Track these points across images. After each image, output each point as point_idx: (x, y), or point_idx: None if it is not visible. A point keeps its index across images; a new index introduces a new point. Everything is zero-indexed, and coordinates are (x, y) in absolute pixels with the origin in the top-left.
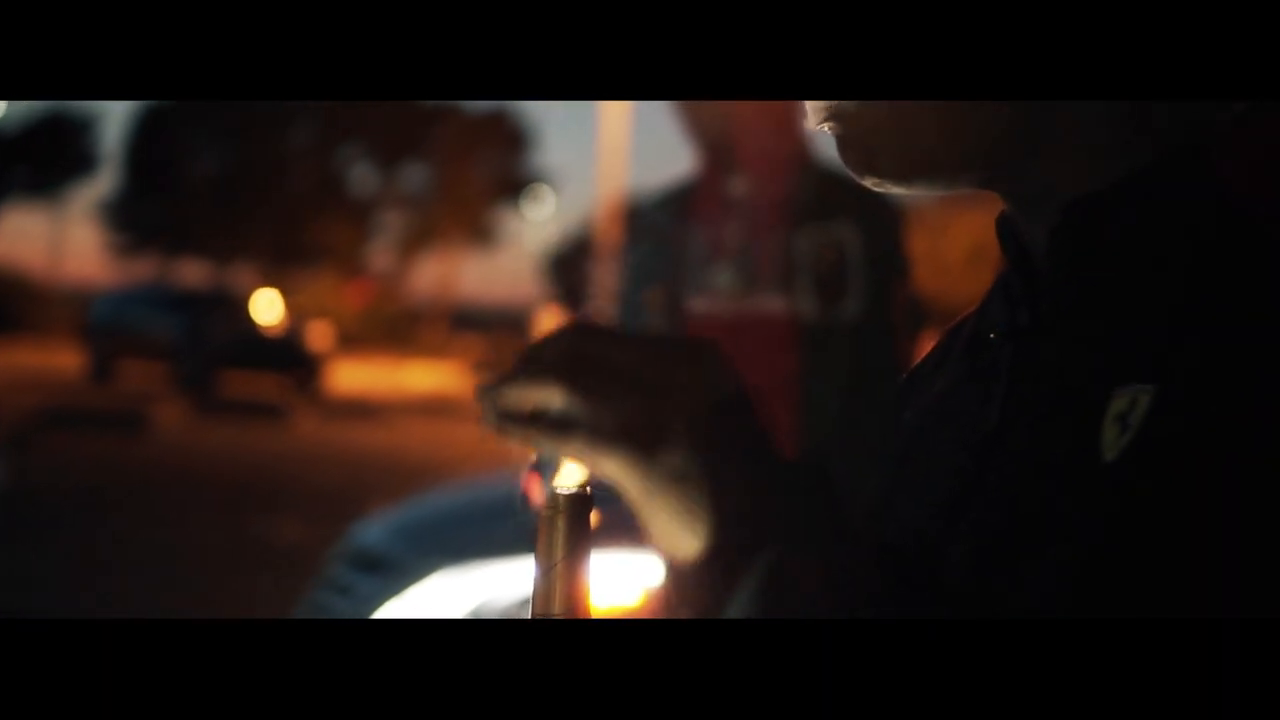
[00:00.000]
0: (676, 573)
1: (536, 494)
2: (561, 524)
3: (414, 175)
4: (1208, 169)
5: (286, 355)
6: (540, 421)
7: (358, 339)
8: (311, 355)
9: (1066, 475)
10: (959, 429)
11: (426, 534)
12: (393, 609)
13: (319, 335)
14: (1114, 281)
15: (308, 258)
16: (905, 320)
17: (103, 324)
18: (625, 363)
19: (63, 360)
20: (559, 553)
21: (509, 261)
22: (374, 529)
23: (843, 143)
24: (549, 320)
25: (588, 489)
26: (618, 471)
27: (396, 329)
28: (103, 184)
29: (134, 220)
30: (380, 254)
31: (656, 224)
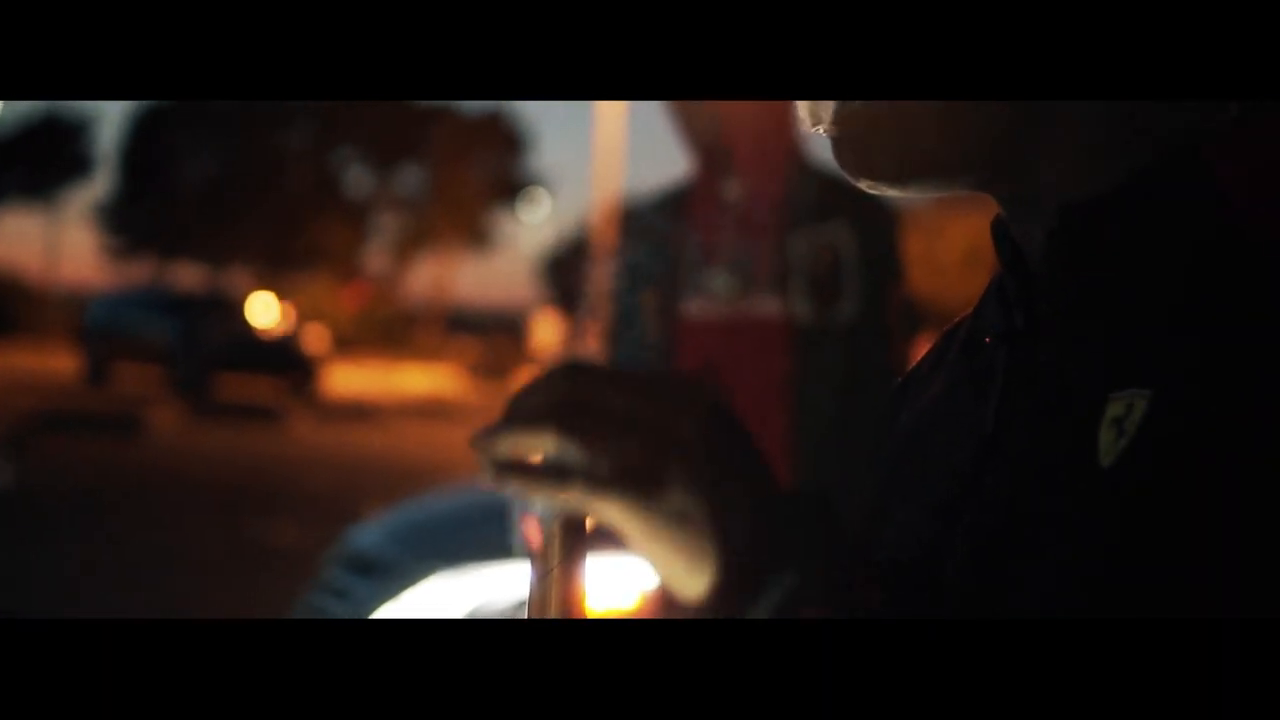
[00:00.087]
0: (685, 610)
1: (534, 537)
2: (557, 528)
3: (409, 178)
4: (1205, 172)
5: (282, 358)
6: (536, 470)
7: (353, 342)
8: (307, 358)
9: (1063, 479)
10: (955, 432)
11: (422, 537)
12: (388, 612)
13: (315, 338)
14: (1110, 285)
15: (303, 260)
16: (900, 323)
17: (98, 327)
18: (618, 404)
19: (58, 363)
20: (555, 556)
21: (505, 264)
22: (370, 532)
23: (838, 145)
24: (545, 322)
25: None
26: (618, 515)
27: (392, 332)
28: (98, 186)
29: (129, 223)
30: (376, 256)
31: (652, 227)
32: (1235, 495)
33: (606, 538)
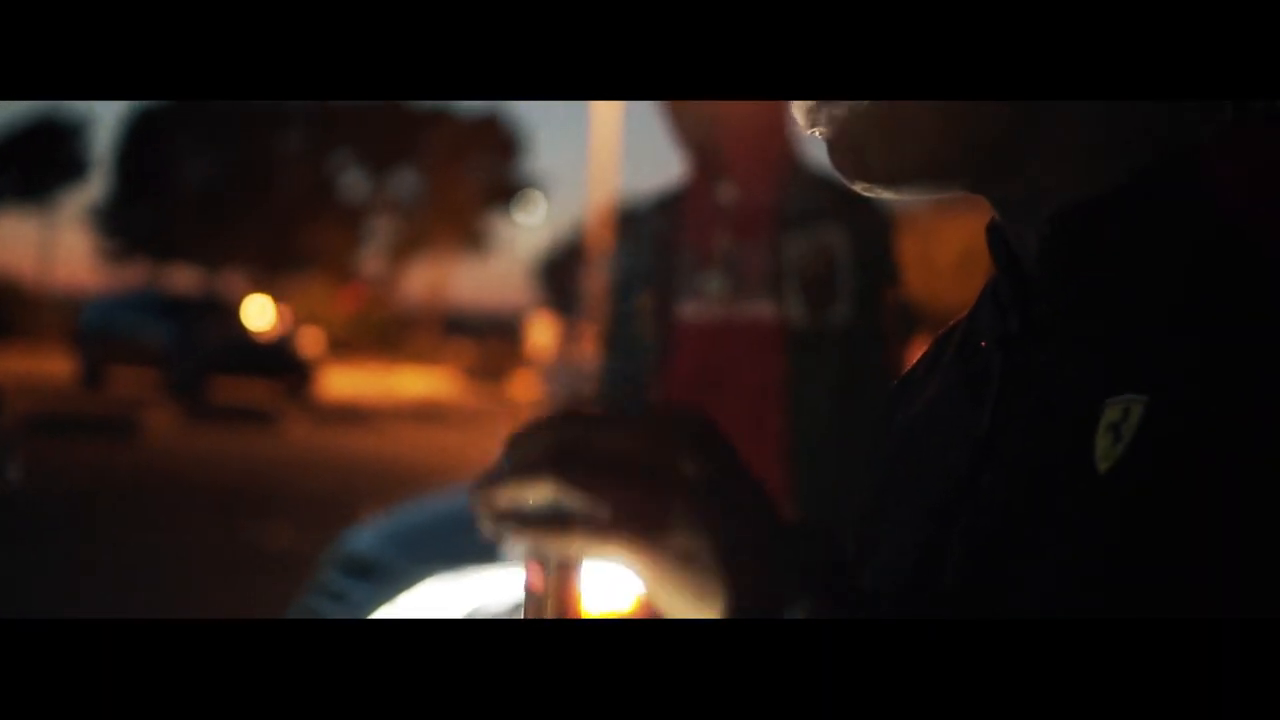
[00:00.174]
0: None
1: (537, 581)
2: (556, 571)
3: (405, 181)
4: (1200, 174)
5: (278, 361)
6: (536, 518)
7: (349, 344)
8: (303, 361)
9: (1059, 483)
10: (950, 435)
11: (419, 540)
12: (385, 615)
13: (310, 341)
14: (1106, 288)
15: (299, 263)
16: (895, 325)
17: (93, 330)
18: (615, 448)
19: (53, 366)
20: (554, 599)
21: (501, 267)
22: (366, 535)
23: (833, 147)
24: (540, 325)
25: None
26: (623, 559)
27: (388, 335)
28: (93, 189)
29: (125, 225)
30: (372, 259)
31: (647, 230)
32: (1234, 500)
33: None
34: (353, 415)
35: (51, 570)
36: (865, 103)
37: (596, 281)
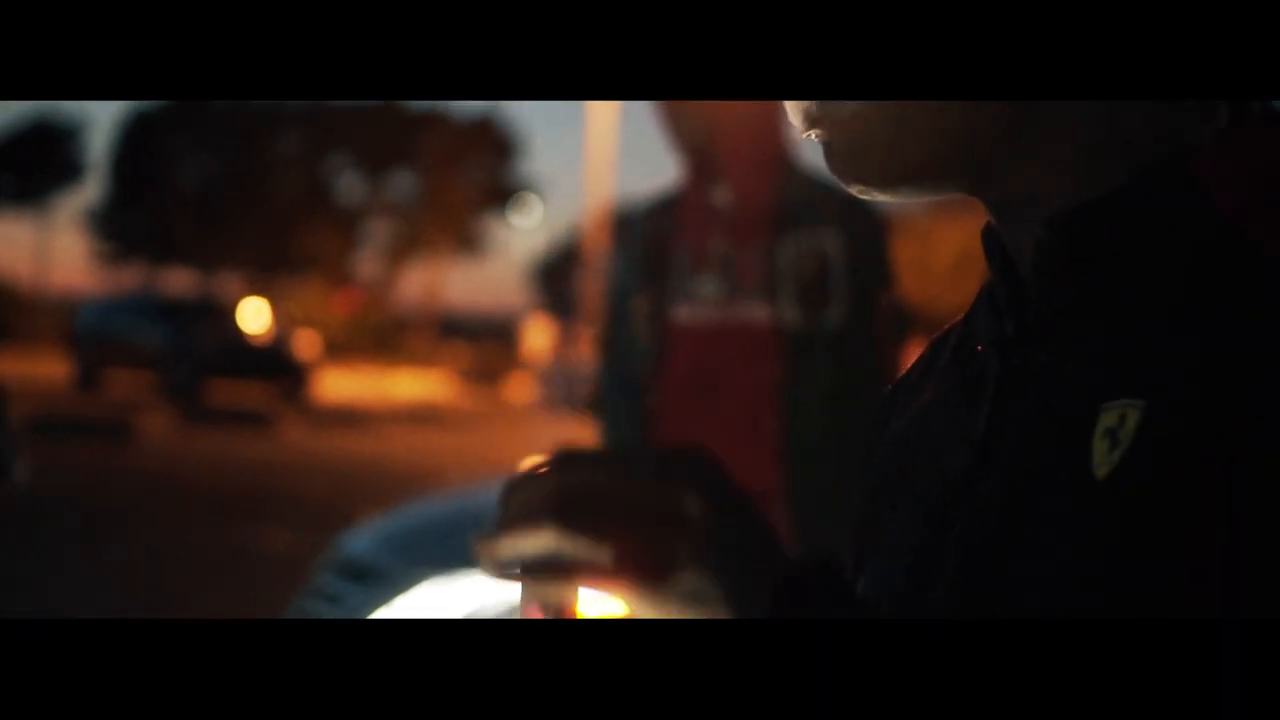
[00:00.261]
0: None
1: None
2: (555, 612)
3: (401, 184)
4: (1195, 178)
5: (273, 364)
6: (539, 567)
7: (345, 347)
8: (298, 364)
9: (1056, 488)
10: (946, 439)
11: (414, 543)
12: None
13: (306, 344)
14: (1101, 292)
15: (295, 266)
16: (890, 328)
17: (89, 333)
18: (616, 491)
19: (49, 369)
20: (553, 605)
21: (496, 270)
22: (361, 538)
23: (830, 150)
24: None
25: None
26: (631, 602)
27: (384, 337)
28: (89, 192)
29: (120, 228)
30: (367, 262)
31: (643, 233)
32: (1232, 505)
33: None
34: (348, 418)
35: (46, 572)
36: (862, 106)
37: (592, 284)
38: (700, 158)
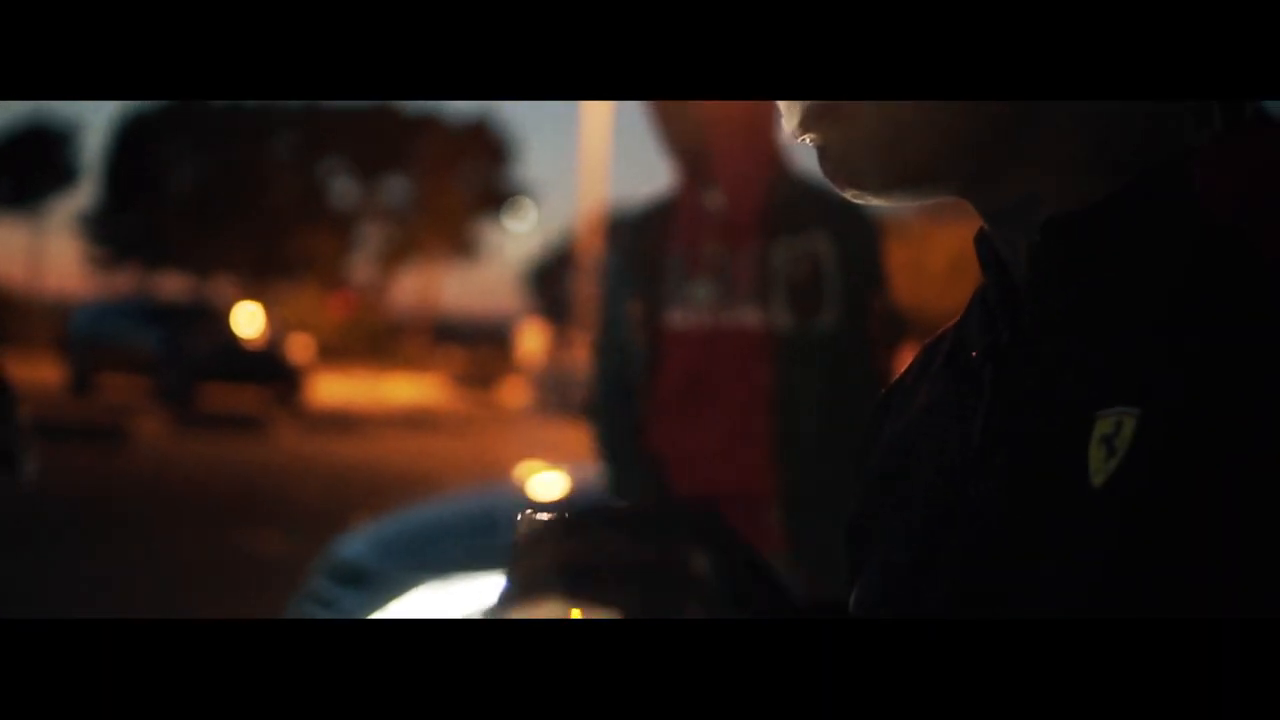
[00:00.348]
0: None
1: None
2: None
3: (395, 188)
4: (1189, 183)
5: (267, 368)
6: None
7: (339, 351)
8: (292, 368)
9: (1052, 495)
10: (940, 445)
11: (409, 547)
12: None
13: (300, 348)
14: (1094, 298)
15: (289, 270)
16: (883, 332)
17: (83, 337)
18: (619, 553)
19: (42, 373)
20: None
21: (491, 274)
22: (356, 542)
23: (824, 154)
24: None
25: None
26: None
27: (378, 341)
28: (83, 196)
29: (114, 232)
30: (362, 266)
31: (637, 237)
32: (1230, 511)
33: None
34: (342, 422)
35: (42, 576)
36: (857, 109)
37: (586, 288)
38: (694, 162)
